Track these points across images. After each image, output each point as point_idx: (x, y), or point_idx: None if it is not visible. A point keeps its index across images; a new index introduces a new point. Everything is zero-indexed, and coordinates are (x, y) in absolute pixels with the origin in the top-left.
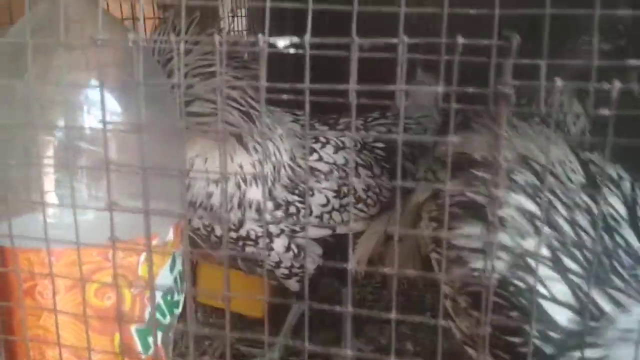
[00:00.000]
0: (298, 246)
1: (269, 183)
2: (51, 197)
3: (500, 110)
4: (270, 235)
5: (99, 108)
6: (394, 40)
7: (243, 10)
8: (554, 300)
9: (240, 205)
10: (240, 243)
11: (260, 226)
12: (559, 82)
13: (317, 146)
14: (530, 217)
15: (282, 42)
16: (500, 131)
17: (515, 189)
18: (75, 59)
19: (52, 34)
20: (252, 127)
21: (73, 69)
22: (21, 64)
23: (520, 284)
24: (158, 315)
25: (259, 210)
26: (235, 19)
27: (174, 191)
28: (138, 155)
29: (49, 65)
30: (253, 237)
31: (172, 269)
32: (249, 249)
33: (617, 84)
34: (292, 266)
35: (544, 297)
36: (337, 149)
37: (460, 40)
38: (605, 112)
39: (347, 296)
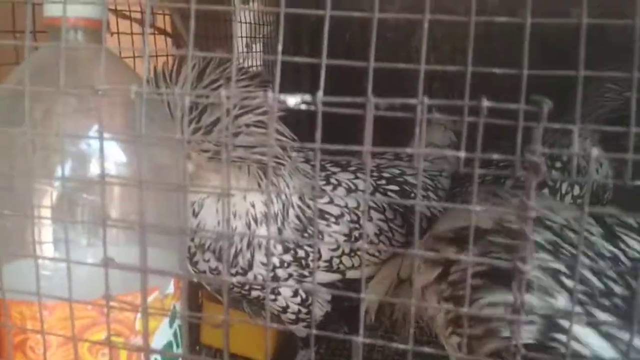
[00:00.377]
0: (306, 291)
1: (279, 223)
2: (47, 248)
3: (529, 180)
4: (278, 280)
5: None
6: (412, 101)
7: (259, 45)
8: (594, 357)
9: (249, 246)
10: (247, 287)
11: (269, 271)
12: (595, 152)
13: (328, 188)
14: (555, 274)
15: (292, 100)
16: (529, 203)
17: (536, 249)
18: (78, 105)
19: (54, 79)
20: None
21: (75, 116)
22: (21, 110)
23: (558, 346)
24: None
25: (267, 253)
26: (250, 54)
27: (176, 239)
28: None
29: (50, 111)
30: (260, 281)
31: (171, 322)
32: (255, 293)
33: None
34: (299, 312)
35: (583, 356)
36: (349, 191)
37: (485, 103)
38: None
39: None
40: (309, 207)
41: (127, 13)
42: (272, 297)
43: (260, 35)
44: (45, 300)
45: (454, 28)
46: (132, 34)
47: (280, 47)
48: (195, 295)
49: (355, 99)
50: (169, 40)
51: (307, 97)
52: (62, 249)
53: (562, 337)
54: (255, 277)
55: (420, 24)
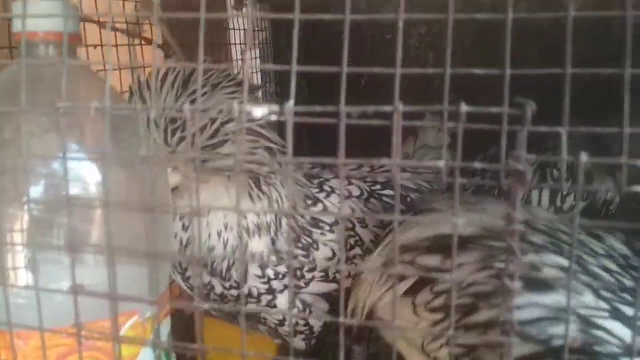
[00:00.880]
0: (303, 302)
1: (272, 233)
2: (21, 275)
3: (515, 191)
4: (273, 292)
5: (77, 178)
6: (387, 108)
7: (257, 52)
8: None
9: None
10: (258, 299)
11: (263, 283)
12: (584, 158)
13: (321, 196)
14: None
15: (259, 112)
16: (514, 214)
17: (542, 250)
18: (50, 124)
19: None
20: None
21: (46, 135)
22: None
23: (600, 349)
24: None
25: (262, 265)
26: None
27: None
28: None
29: (18, 131)
30: (255, 294)
31: (155, 347)
32: (250, 307)
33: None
34: (297, 324)
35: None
36: (344, 198)
37: (464, 108)
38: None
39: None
40: (302, 216)
41: (112, 24)
42: (268, 309)
43: (257, 42)
44: (17, 330)
45: (454, 26)
46: (117, 45)
47: (295, 54)
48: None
49: (327, 107)
50: (157, 51)
51: (275, 108)
52: (42, 275)
53: (601, 334)
54: (250, 291)
55: (417, 25)
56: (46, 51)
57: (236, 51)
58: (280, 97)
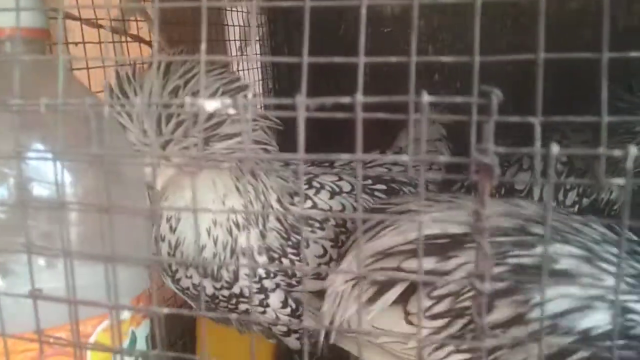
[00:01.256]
0: (296, 301)
1: (260, 226)
2: None
3: (482, 185)
4: (265, 291)
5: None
6: (347, 100)
7: (254, 48)
8: None
9: (232, 254)
10: (234, 301)
11: (255, 282)
12: (554, 149)
13: (310, 192)
14: (586, 260)
15: (212, 105)
16: (482, 210)
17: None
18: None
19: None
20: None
21: (12, 134)
22: None
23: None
24: None
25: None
26: (244, 56)
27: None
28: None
29: None
30: (247, 294)
31: (131, 350)
32: (242, 307)
33: (634, 150)
34: (289, 322)
35: None
36: (333, 194)
37: (426, 98)
38: (619, 181)
39: None
40: (287, 210)
41: (95, 21)
42: (261, 309)
43: (257, 38)
44: None
45: (453, 17)
46: (100, 42)
47: (305, 48)
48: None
49: (285, 100)
50: (144, 47)
51: (228, 101)
52: (14, 278)
53: (637, 317)
54: (241, 290)
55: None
56: (13, 48)
57: (235, 46)
58: (277, 93)
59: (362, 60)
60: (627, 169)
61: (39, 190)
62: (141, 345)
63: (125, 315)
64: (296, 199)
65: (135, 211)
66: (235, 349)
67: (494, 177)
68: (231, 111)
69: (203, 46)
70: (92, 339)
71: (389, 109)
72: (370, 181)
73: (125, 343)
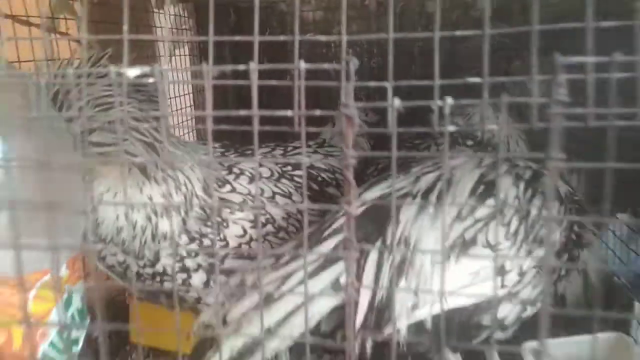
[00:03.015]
0: (214, 281)
1: (182, 214)
2: None
3: (347, 130)
4: (187, 270)
5: None
6: (243, 67)
7: (185, 49)
8: None
9: (153, 238)
10: (158, 279)
11: (177, 261)
12: (449, 101)
13: (230, 177)
14: None
15: (133, 72)
16: (348, 150)
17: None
18: None
19: None
20: (155, 157)
21: None
22: None
23: None
24: (54, 353)
25: (174, 244)
26: (174, 58)
27: (75, 227)
28: (40, 191)
29: None
30: (170, 272)
31: (67, 305)
32: (167, 285)
33: (506, 98)
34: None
35: None
36: (252, 179)
37: (303, 65)
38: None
39: None
40: (211, 196)
41: (25, 19)
42: (185, 288)
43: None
44: None
45: None
46: (31, 39)
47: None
48: (122, 294)
49: (195, 67)
50: (74, 44)
51: (146, 69)
52: None
53: None
54: (163, 268)
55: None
56: None
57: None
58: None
59: (256, 39)
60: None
61: None
62: (76, 302)
63: (63, 272)
64: (219, 184)
65: (69, 166)
66: (167, 328)
67: (355, 125)
68: (150, 79)
69: (125, 27)
70: (33, 293)
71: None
72: (290, 167)
73: (63, 299)
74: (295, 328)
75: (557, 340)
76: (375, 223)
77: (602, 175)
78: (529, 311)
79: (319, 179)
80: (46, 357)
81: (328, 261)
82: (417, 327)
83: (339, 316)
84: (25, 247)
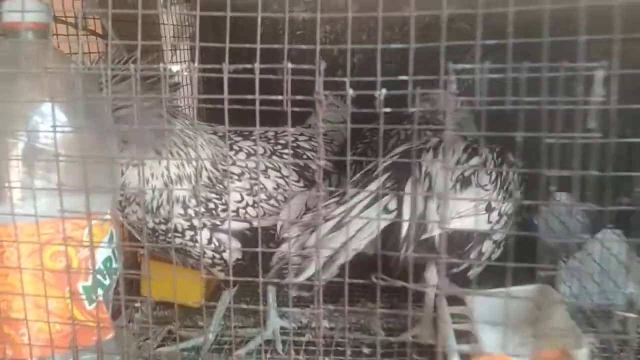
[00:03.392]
0: (219, 240)
1: (193, 182)
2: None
3: (318, 110)
4: (194, 228)
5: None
6: (249, 66)
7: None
8: None
9: (168, 200)
10: (170, 235)
11: (186, 220)
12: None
13: (232, 153)
14: None
15: (175, 67)
16: (320, 124)
17: None
18: (32, 83)
19: (14, 65)
20: (171, 137)
21: (31, 91)
22: None
23: None
24: (99, 277)
25: (184, 206)
26: (177, 51)
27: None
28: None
29: (12, 88)
30: (180, 229)
31: (110, 242)
32: (177, 241)
33: (383, 92)
34: (214, 257)
35: None
36: (249, 155)
37: (289, 65)
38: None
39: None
40: (217, 170)
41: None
42: (192, 244)
43: (187, 35)
44: (18, 222)
45: None
46: (68, 35)
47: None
48: (134, 255)
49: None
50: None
51: (181, 66)
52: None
53: None
54: (175, 226)
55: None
56: (26, 36)
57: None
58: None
59: (259, 46)
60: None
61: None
62: (116, 239)
63: (108, 217)
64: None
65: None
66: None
67: (323, 106)
68: (185, 73)
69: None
70: (85, 231)
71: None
72: (280, 146)
73: (107, 237)
74: (362, 241)
75: (488, 291)
76: (405, 168)
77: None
78: (496, 254)
79: (304, 156)
80: (104, 269)
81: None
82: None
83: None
84: (91, 190)
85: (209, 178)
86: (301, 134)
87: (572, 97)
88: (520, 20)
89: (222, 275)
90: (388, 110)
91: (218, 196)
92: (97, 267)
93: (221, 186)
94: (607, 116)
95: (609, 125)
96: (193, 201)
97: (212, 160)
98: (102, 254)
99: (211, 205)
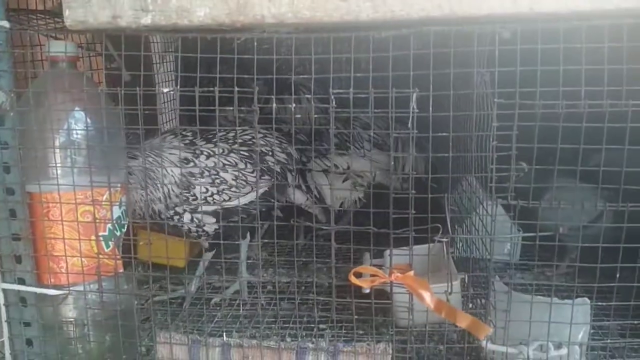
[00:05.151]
0: (197, 219)
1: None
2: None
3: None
4: (179, 214)
5: (81, 121)
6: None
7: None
8: None
9: (166, 198)
10: (172, 219)
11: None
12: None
13: (193, 157)
14: None
15: (166, 89)
16: (256, 127)
17: None
18: (67, 96)
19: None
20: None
21: (67, 102)
22: (41, 100)
23: None
24: (116, 227)
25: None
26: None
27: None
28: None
29: (55, 100)
30: (170, 215)
31: (120, 205)
32: (174, 219)
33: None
34: (197, 231)
35: None
36: (208, 156)
37: (236, 89)
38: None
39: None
40: (183, 175)
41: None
42: (180, 223)
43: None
44: (61, 190)
45: None
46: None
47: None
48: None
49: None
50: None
51: (169, 89)
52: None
53: None
54: (174, 212)
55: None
56: (62, 65)
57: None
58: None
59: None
60: None
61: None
62: (124, 206)
63: (118, 188)
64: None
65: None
66: (163, 248)
67: (257, 115)
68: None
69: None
70: (104, 197)
71: None
72: (237, 145)
73: (118, 202)
74: None
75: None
76: None
77: None
78: None
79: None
80: (116, 222)
81: None
82: None
83: None
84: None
85: (179, 187)
86: (259, 132)
87: None
88: None
89: (207, 245)
90: None
91: (187, 190)
92: (112, 221)
93: (186, 182)
94: None
95: None
96: (175, 198)
97: (177, 180)
98: (115, 212)
99: (188, 196)
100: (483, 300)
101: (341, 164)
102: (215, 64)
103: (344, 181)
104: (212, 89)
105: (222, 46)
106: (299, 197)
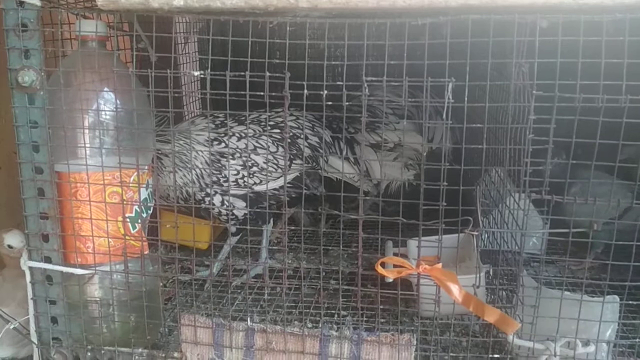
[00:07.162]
0: (227, 202)
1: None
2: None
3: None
4: (209, 195)
5: (110, 102)
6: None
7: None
8: None
9: (199, 179)
10: (202, 200)
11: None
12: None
13: (225, 138)
14: None
15: (196, 73)
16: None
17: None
18: (96, 76)
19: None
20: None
21: (93, 85)
22: (70, 79)
23: None
24: (142, 209)
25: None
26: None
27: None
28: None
29: (84, 79)
30: (201, 197)
31: (147, 187)
32: (205, 202)
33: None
34: (227, 214)
35: None
36: (240, 138)
37: (267, 74)
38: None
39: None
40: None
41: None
42: (211, 206)
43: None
44: (89, 170)
45: None
46: (110, 36)
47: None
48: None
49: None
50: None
51: (198, 73)
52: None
53: None
54: (204, 195)
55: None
56: (92, 45)
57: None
58: None
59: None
60: None
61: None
62: (151, 188)
63: (146, 170)
64: (216, 142)
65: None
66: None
67: (288, 100)
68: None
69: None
70: (132, 178)
71: None
72: (269, 127)
73: (145, 183)
74: None
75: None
76: None
77: None
78: None
79: (290, 133)
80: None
81: None
82: None
83: None
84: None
85: (207, 162)
86: (291, 114)
87: None
88: None
89: (234, 229)
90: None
91: (218, 172)
92: (139, 203)
93: (218, 164)
94: None
95: None
96: (207, 178)
97: (207, 160)
98: (142, 194)
99: (219, 178)
100: (507, 294)
101: (392, 138)
102: (243, 48)
103: (394, 159)
104: (242, 73)
105: (248, 30)
106: (347, 169)
